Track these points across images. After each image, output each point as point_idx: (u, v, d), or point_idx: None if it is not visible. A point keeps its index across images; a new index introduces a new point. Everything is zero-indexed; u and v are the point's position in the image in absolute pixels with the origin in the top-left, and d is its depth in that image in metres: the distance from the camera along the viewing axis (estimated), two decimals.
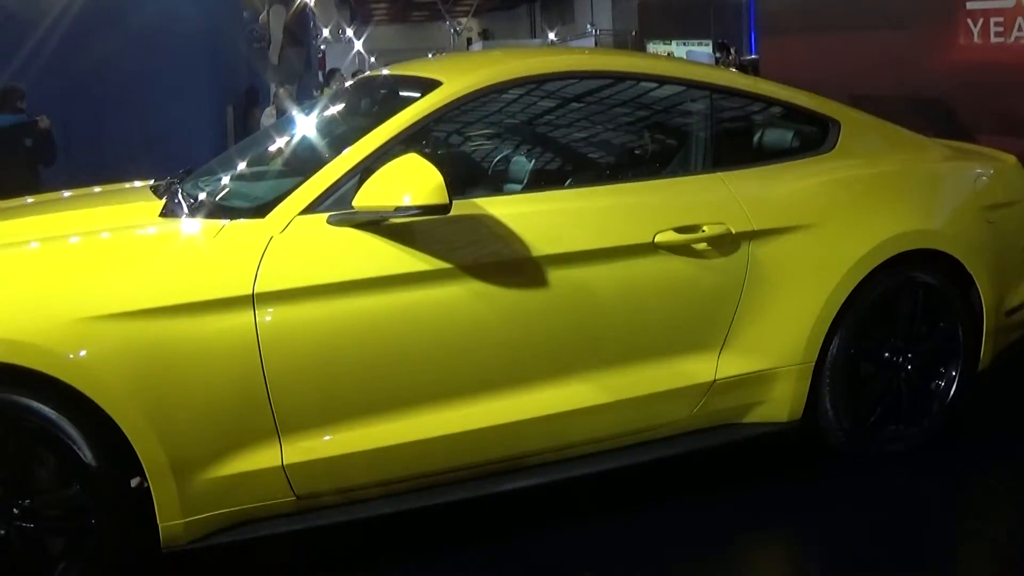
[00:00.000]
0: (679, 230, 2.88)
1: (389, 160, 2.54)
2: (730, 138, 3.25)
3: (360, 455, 2.56)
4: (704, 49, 18.06)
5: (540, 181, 3.06)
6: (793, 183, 3.16)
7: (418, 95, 2.85)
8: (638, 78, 3.20)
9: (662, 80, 3.23)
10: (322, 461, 2.53)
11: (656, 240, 2.84)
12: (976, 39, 4.96)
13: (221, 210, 2.71)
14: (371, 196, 2.48)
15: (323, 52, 28.51)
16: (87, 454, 2.33)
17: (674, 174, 3.12)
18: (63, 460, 2.33)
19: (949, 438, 3.42)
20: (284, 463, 2.49)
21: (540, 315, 2.73)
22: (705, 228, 2.91)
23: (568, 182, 3.06)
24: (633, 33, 24.71)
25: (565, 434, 2.83)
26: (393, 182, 2.46)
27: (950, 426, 3.43)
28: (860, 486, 3.20)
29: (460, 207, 2.64)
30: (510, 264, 2.68)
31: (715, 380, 2.98)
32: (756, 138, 3.40)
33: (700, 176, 3.08)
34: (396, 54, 37.83)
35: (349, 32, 33.36)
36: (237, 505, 2.48)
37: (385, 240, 2.55)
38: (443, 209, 2.46)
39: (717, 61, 15.96)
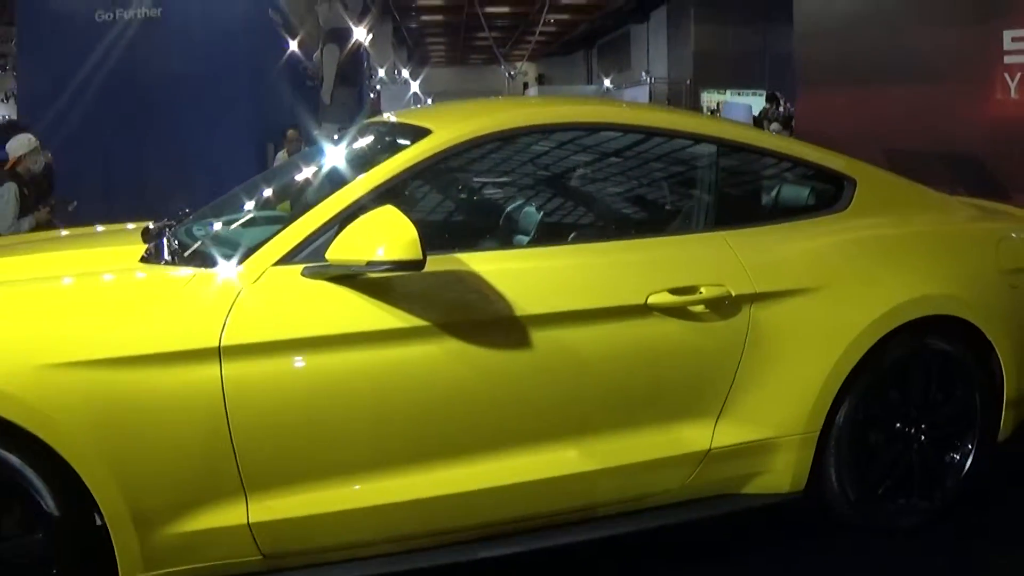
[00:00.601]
0: (674, 291, 2.75)
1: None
2: (736, 195, 3.17)
3: (329, 516, 2.47)
4: (744, 100, 17.79)
5: (530, 237, 2.96)
6: (801, 243, 3.02)
7: (408, 143, 2.80)
8: (640, 131, 3.11)
9: (665, 134, 3.13)
10: (289, 521, 2.44)
11: (649, 302, 2.72)
12: (1013, 94, 4.78)
13: (198, 258, 2.67)
14: (344, 249, 2.41)
15: (378, 92, 28.97)
16: (50, 503, 2.28)
17: (674, 232, 3.02)
18: (27, 508, 2.28)
19: (964, 513, 3.23)
20: (250, 521, 2.41)
21: (523, 377, 2.62)
22: (703, 290, 2.78)
23: (560, 239, 2.97)
24: (688, 82, 24.67)
25: (549, 501, 2.71)
26: (367, 235, 2.38)
27: (965, 500, 3.24)
28: (864, 564, 3.03)
29: (442, 263, 2.57)
30: (492, 323, 2.58)
31: (711, 449, 2.84)
32: (765, 196, 3.29)
33: (701, 235, 2.96)
34: (452, 96, 38.32)
35: (405, 73, 33.85)
36: (201, 562, 2.41)
37: (360, 295, 2.46)
38: (417, 265, 2.38)
39: (765, 112, 15.79)
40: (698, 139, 3.09)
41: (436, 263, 2.52)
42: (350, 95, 19.55)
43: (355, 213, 2.53)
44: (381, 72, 29.94)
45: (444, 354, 2.53)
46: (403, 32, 33.89)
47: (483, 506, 2.62)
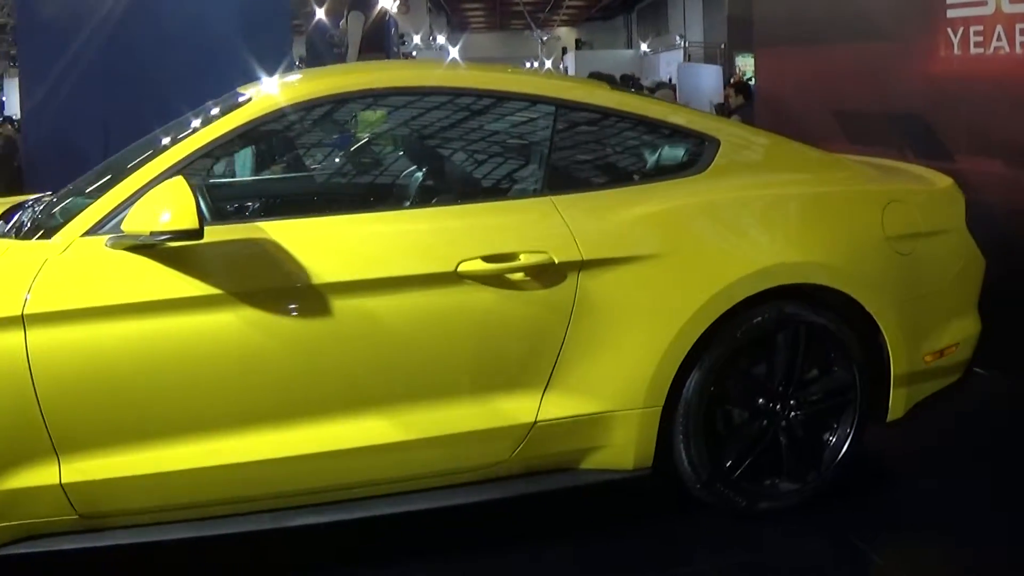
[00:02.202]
0: (489, 259, 2.65)
1: None
2: (576, 159, 3.01)
3: (140, 479, 2.50)
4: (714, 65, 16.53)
5: (346, 204, 2.90)
6: (644, 208, 2.85)
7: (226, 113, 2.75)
8: (472, 94, 3.00)
9: (498, 95, 3.00)
10: (101, 482, 2.48)
11: (460, 270, 2.63)
12: (956, 50, 4.50)
13: (24, 230, 2.70)
14: (135, 220, 2.42)
15: (413, 60, 28.87)
16: None
17: (499, 198, 2.91)
18: None
19: (839, 497, 3.07)
20: (62, 481, 2.45)
21: (325, 346, 2.58)
22: (522, 257, 2.66)
23: (378, 206, 2.90)
24: (722, 46, 24.11)
25: (363, 471, 2.67)
26: (152, 206, 2.39)
27: (847, 484, 3.09)
28: (717, 544, 2.93)
29: (243, 231, 2.56)
30: (291, 292, 2.54)
31: (536, 421, 2.74)
32: (612, 159, 3.13)
33: (529, 200, 2.83)
34: (492, 62, 38.04)
35: (441, 39, 33.60)
36: (18, 519, 2.47)
37: (157, 264, 2.46)
38: (194, 234, 2.37)
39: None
40: (534, 100, 2.96)
41: (237, 232, 2.54)
42: (376, 62, 19.56)
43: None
44: (416, 39, 29.73)
45: (241, 322, 2.51)
46: None
47: (296, 474, 2.60)
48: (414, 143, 3.13)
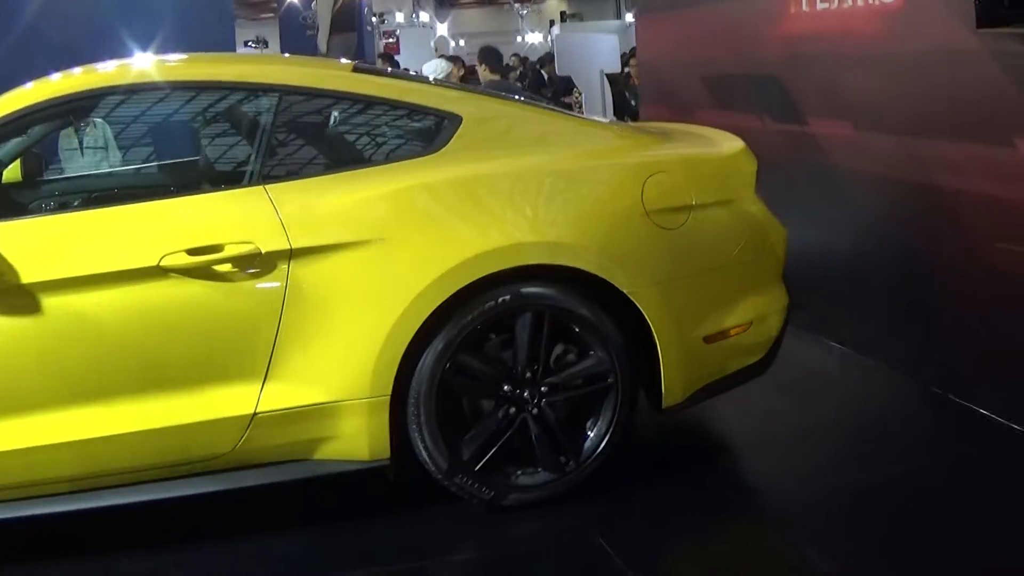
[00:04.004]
0: (193, 251, 2.59)
1: None
2: (300, 146, 2.92)
3: None
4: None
5: (67, 204, 2.94)
6: (363, 193, 2.74)
7: None
8: (190, 87, 2.97)
9: (225, 87, 2.95)
10: None
11: (163, 263, 2.57)
12: (804, 6, 4.24)
13: None
14: None
15: (396, 38, 28.46)
16: None
17: (214, 189, 2.88)
18: None
19: (604, 491, 2.90)
20: None
21: (34, 343, 2.57)
22: (227, 248, 2.60)
23: (96, 204, 2.93)
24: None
25: (81, 463, 2.63)
26: None
27: (617, 476, 2.93)
28: (459, 535, 2.80)
29: None
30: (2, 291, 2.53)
31: (256, 413, 2.66)
32: (340, 144, 3.04)
33: (240, 191, 2.76)
34: (483, 37, 37.59)
35: (424, 16, 33.18)
36: None
37: None
38: None
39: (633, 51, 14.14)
40: (256, 89, 2.91)
41: None
42: (347, 42, 19.22)
43: None
44: (399, 16, 29.36)
45: None
46: None
47: (16, 467, 2.59)
48: (140, 140, 3.21)
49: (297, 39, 20.64)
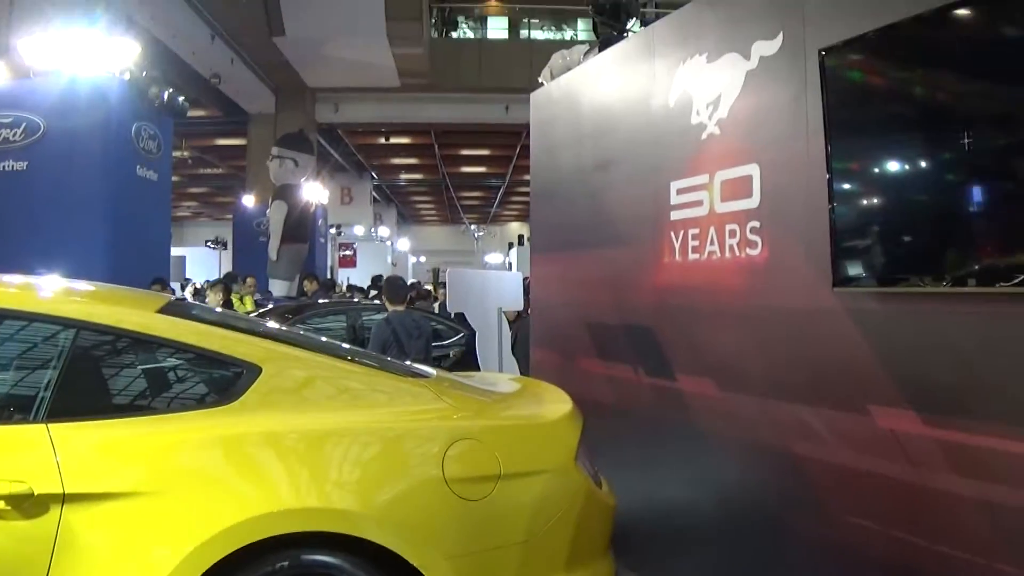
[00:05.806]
0: None
1: None
2: (89, 386, 2.78)
3: None
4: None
5: None
6: (143, 441, 2.63)
7: None
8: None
9: (24, 317, 2.84)
10: None
11: None
12: (676, 256, 4.04)
13: None
14: None
15: (353, 251, 28.83)
16: None
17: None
18: None
19: None
20: None
21: None
22: (1, 487, 2.49)
23: None
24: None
25: None
26: None
27: None
28: None
29: None
30: None
31: None
32: (132, 387, 2.87)
33: (23, 427, 2.64)
34: (444, 255, 38.49)
35: (383, 231, 33.95)
36: None
37: None
38: None
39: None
40: (54, 322, 2.82)
41: None
42: (297, 252, 19.25)
43: None
44: (358, 229, 29.93)
45: None
46: (386, 190, 34.29)
47: None
48: None
49: (251, 244, 20.72)
